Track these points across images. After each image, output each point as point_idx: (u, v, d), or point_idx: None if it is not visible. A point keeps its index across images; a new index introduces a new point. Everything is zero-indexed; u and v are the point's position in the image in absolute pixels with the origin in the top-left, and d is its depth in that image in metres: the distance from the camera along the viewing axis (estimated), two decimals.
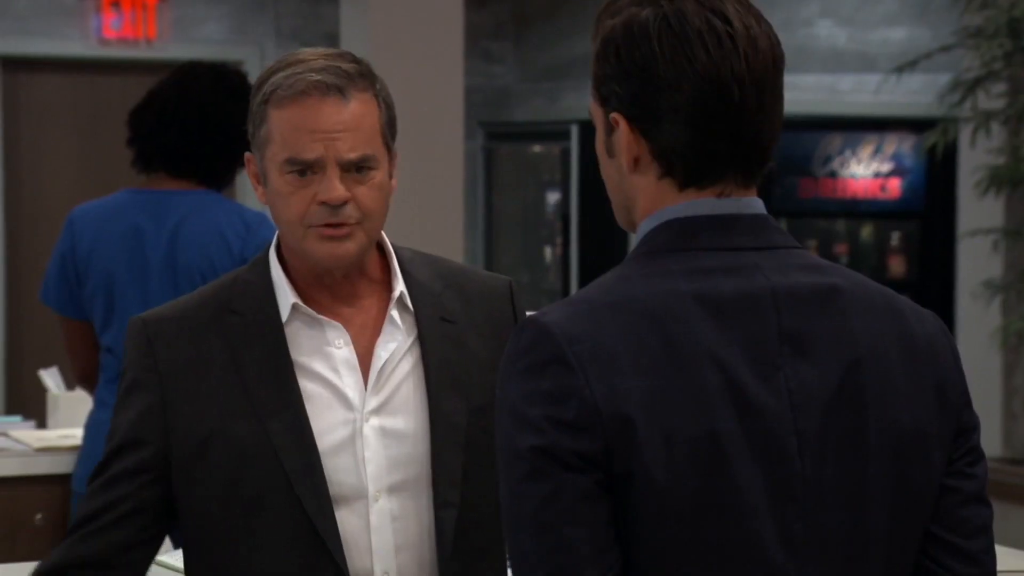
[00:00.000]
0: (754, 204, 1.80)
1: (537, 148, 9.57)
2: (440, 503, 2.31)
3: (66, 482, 4.28)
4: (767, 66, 1.76)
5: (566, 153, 9.02)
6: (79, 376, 4.34)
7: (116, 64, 8.49)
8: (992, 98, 6.74)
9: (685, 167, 1.77)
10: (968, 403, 1.84)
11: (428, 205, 5.28)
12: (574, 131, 8.86)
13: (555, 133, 9.08)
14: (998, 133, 6.82)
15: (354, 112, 2.29)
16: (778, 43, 1.79)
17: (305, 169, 2.28)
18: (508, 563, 1.91)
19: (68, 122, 8.42)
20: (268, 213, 2.46)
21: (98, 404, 4.17)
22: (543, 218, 9.45)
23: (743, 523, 1.70)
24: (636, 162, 1.78)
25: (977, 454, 1.84)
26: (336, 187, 2.28)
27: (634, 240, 1.82)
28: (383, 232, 2.40)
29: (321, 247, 2.30)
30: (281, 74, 2.29)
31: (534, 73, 9.26)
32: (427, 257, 2.46)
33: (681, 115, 1.74)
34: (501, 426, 1.73)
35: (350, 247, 2.30)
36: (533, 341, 1.71)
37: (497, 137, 9.44)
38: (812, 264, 1.79)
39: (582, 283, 8.77)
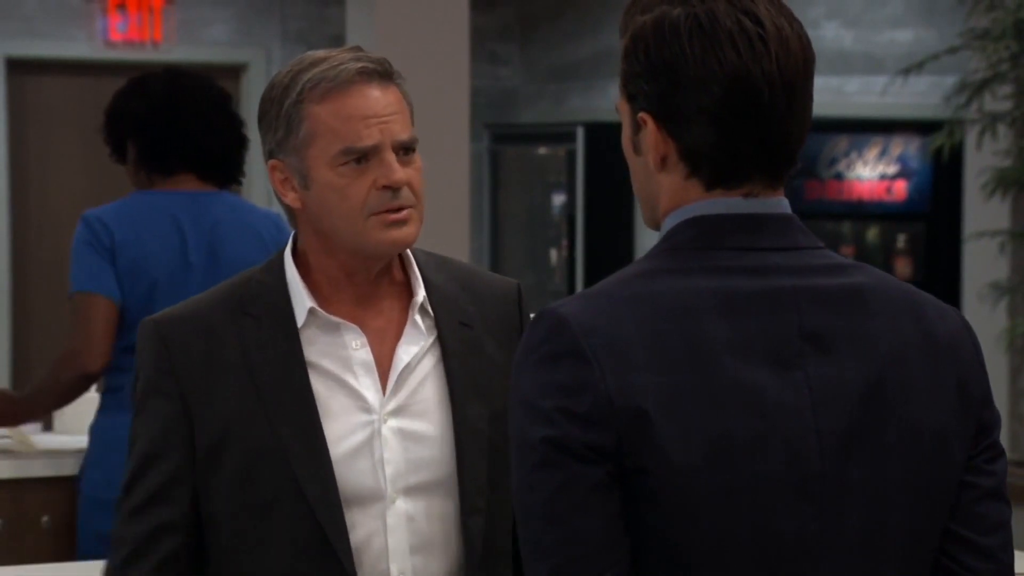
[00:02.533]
0: (781, 204, 1.79)
1: (543, 150, 9.56)
2: (468, 509, 2.31)
3: (72, 484, 4.26)
4: (797, 68, 1.75)
5: (572, 155, 9.02)
6: (92, 367, 3.96)
7: (122, 66, 8.46)
8: (998, 100, 6.75)
9: (712, 168, 1.76)
10: (989, 400, 1.83)
11: (433, 206, 5.22)
12: (580, 133, 8.86)
13: (561, 135, 9.08)
14: (1004, 135, 6.83)
15: (396, 95, 2.31)
16: (809, 44, 1.78)
17: (361, 157, 2.28)
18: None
19: (74, 124, 8.42)
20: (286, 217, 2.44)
21: (105, 407, 4.14)
22: (549, 220, 9.44)
23: (758, 521, 1.69)
24: (663, 161, 1.78)
25: (996, 451, 1.83)
26: (397, 169, 2.28)
27: (657, 237, 1.81)
28: None
29: (385, 234, 2.29)
30: (315, 71, 2.28)
31: (540, 75, 9.26)
32: (438, 258, 2.45)
33: (709, 116, 1.73)
34: (514, 416, 1.73)
35: (411, 231, 2.31)
36: (549, 332, 1.71)
37: (503, 139, 9.44)
38: (835, 264, 1.79)
39: (587, 285, 8.76)
